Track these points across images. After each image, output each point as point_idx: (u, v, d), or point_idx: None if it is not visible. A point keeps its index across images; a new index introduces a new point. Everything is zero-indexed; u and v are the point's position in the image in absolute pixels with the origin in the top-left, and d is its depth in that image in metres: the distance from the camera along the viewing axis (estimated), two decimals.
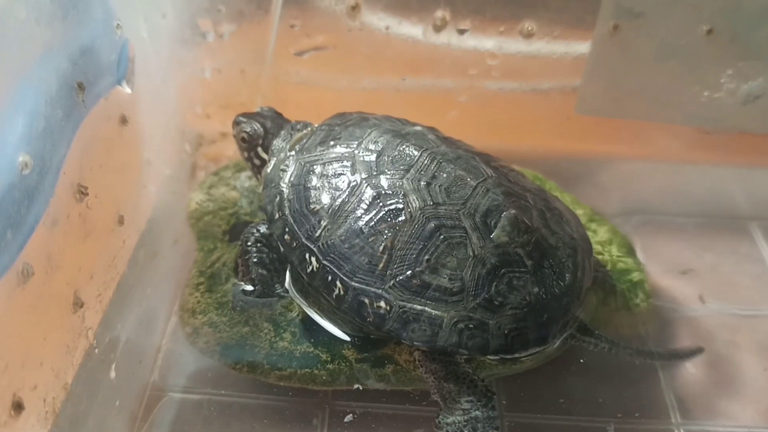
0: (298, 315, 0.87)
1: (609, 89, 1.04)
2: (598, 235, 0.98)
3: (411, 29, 1.06)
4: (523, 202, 0.80)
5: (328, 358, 0.82)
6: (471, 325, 0.73)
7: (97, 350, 0.79)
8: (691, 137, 1.11)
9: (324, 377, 0.81)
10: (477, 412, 0.75)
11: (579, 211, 1.00)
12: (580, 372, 0.87)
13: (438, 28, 1.05)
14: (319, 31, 1.06)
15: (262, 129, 0.94)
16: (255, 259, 0.87)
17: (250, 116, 0.96)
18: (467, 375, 0.77)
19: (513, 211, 0.76)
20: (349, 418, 0.81)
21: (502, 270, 0.74)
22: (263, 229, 0.88)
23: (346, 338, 0.85)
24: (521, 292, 0.74)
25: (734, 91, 0.99)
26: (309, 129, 0.91)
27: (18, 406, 0.63)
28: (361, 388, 0.82)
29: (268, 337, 0.85)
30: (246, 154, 0.96)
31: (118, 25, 0.83)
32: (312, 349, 0.83)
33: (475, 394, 0.76)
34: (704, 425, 0.83)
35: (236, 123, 0.96)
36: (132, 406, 0.83)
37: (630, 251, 0.97)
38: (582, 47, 1.03)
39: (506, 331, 0.74)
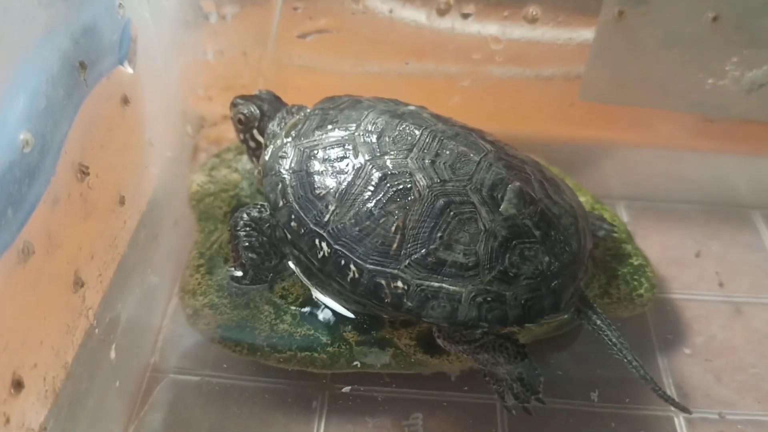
0: (298, 297, 0.87)
1: (613, 76, 1.04)
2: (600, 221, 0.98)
3: (414, 13, 1.05)
4: (524, 175, 0.81)
5: (329, 341, 0.83)
6: (489, 298, 0.74)
7: (97, 330, 0.79)
8: (694, 125, 1.10)
9: (324, 360, 0.82)
10: (519, 370, 0.78)
11: (581, 198, 1.00)
12: (578, 357, 0.87)
13: (442, 12, 1.04)
14: (322, 14, 1.06)
15: (258, 111, 0.94)
16: (245, 244, 0.87)
17: (247, 98, 0.96)
18: (494, 341, 0.78)
19: (518, 184, 0.78)
20: (347, 389, 0.82)
21: (513, 242, 0.75)
22: (253, 212, 0.87)
23: (351, 316, 0.85)
24: (533, 262, 0.76)
25: (739, 79, 0.99)
26: (303, 114, 0.91)
27: (18, 385, 0.63)
28: (359, 365, 0.82)
29: (268, 319, 0.85)
30: (242, 136, 0.96)
31: (120, 4, 0.82)
32: (312, 332, 0.83)
33: (509, 356, 0.77)
34: (703, 412, 0.83)
35: (233, 105, 0.96)
36: (132, 386, 0.83)
37: (630, 238, 0.97)
38: (586, 33, 1.02)
39: (523, 301, 0.75)
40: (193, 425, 0.80)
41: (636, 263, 0.93)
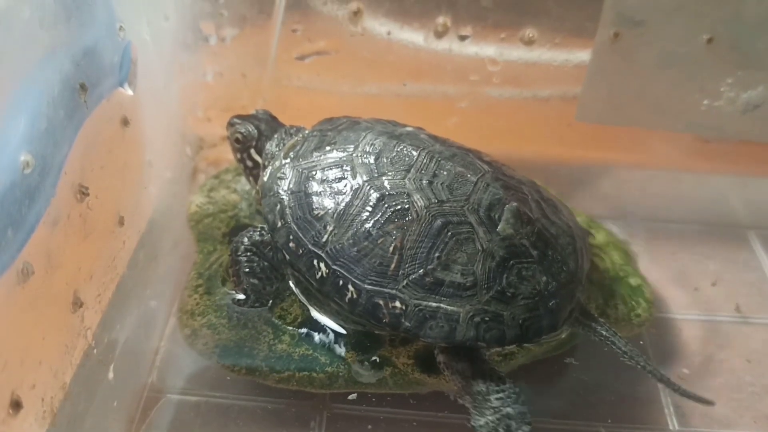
0: (297, 318, 0.87)
1: (609, 97, 1.04)
2: (597, 241, 0.98)
3: (412, 35, 1.06)
4: (521, 195, 0.82)
5: (327, 361, 0.83)
6: (487, 318, 0.75)
7: (95, 350, 0.79)
8: (690, 145, 1.11)
9: (323, 379, 0.82)
10: (508, 409, 0.75)
11: (578, 218, 1.00)
12: (576, 376, 0.87)
13: (439, 34, 1.05)
14: (320, 35, 1.07)
15: (256, 131, 0.95)
16: (246, 269, 0.87)
17: (244, 118, 0.97)
18: (494, 372, 0.78)
19: (515, 204, 0.78)
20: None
21: (511, 261, 0.76)
22: (254, 236, 0.88)
23: (344, 331, 0.85)
24: (531, 282, 0.76)
25: (734, 100, 1.00)
26: (301, 135, 0.91)
27: (16, 405, 0.63)
28: (356, 396, 0.82)
29: (266, 339, 0.85)
30: (239, 156, 0.97)
31: (121, 27, 0.83)
32: (311, 351, 0.83)
33: (504, 391, 0.76)
34: (701, 431, 0.83)
35: (230, 124, 0.97)
36: (130, 407, 0.83)
37: (628, 258, 0.98)
38: (583, 55, 1.03)
39: (520, 321, 0.75)
40: None
41: (634, 284, 0.93)
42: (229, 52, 1.09)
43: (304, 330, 0.86)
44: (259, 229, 0.88)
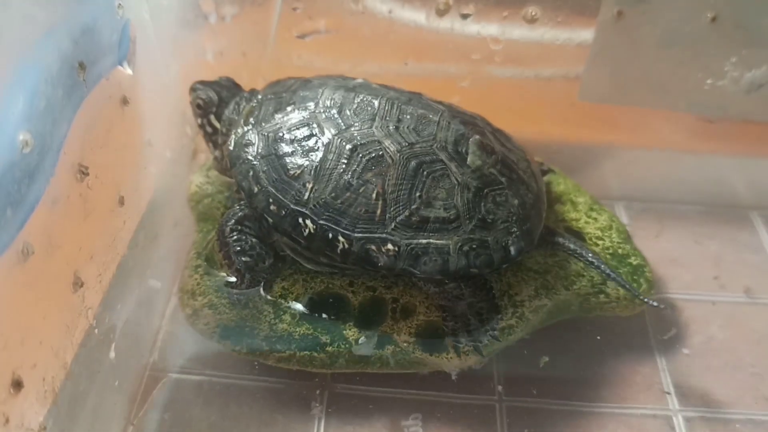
0: (298, 297, 0.87)
1: (612, 76, 1.04)
2: (598, 222, 0.98)
3: (414, 13, 1.05)
4: (479, 128, 0.86)
5: (328, 340, 0.82)
6: (474, 245, 0.79)
7: (96, 330, 0.79)
8: (693, 125, 1.10)
9: (323, 359, 0.82)
10: (481, 305, 0.83)
11: (580, 198, 1.00)
12: (578, 356, 0.87)
13: (441, 13, 1.04)
14: (321, 14, 1.06)
15: (216, 97, 0.96)
16: (236, 248, 0.87)
17: (207, 84, 0.98)
18: (474, 302, 0.83)
19: (477, 137, 0.83)
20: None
21: (485, 190, 0.81)
22: (237, 212, 0.88)
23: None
24: (506, 207, 0.81)
25: (738, 79, 0.99)
26: (256, 100, 0.92)
27: (17, 384, 0.63)
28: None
29: (267, 319, 0.85)
30: (199, 121, 0.98)
31: (120, 5, 0.82)
32: (311, 331, 0.83)
33: (474, 286, 0.83)
34: (701, 411, 0.83)
35: (192, 89, 0.98)
36: (131, 386, 0.83)
37: (628, 238, 0.97)
38: (586, 34, 1.02)
39: (504, 244, 0.80)
40: (193, 425, 0.80)
41: (635, 263, 0.93)
42: (229, 31, 1.09)
43: (305, 309, 0.85)
44: (240, 205, 0.89)
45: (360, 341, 0.82)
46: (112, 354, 0.82)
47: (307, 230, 0.81)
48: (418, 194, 0.79)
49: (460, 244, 0.79)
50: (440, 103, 0.89)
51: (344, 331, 0.83)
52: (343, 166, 0.80)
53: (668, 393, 0.84)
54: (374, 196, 0.79)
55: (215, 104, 0.96)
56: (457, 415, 0.81)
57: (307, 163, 0.82)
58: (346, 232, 0.79)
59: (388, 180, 0.79)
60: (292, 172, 0.82)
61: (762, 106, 1.01)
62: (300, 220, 0.81)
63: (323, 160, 0.81)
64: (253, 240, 0.88)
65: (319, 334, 0.83)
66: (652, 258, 0.96)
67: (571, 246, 0.86)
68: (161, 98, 1.01)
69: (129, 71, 0.86)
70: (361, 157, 0.80)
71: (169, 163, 1.03)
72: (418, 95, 0.89)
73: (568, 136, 1.15)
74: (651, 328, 0.91)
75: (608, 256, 0.93)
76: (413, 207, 0.79)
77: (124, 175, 0.88)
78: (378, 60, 1.11)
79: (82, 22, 0.75)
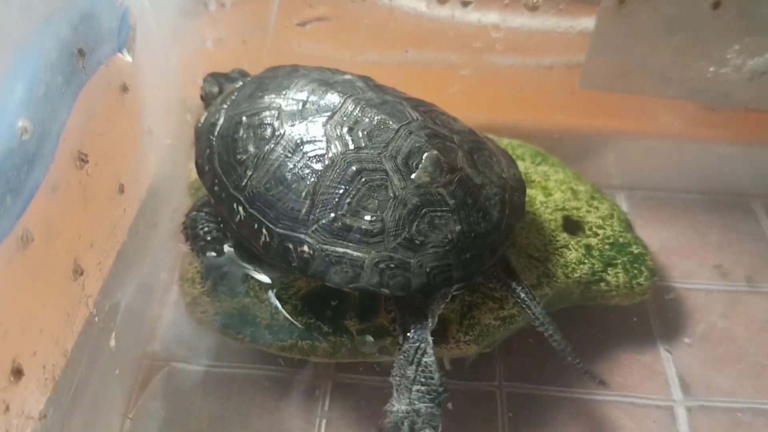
0: (300, 290, 0.86)
1: (614, 64, 1.03)
2: (600, 210, 0.97)
3: (414, 1, 1.05)
4: (449, 144, 0.80)
5: (330, 330, 0.82)
6: (392, 265, 0.74)
7: (97, 318, 0.79)
8: (695, 113, 1.10)
9: (326, 348, 0.81)
10: (421, 405, 0.74)
11: (581, 187, 1.00)
12: (580, 344, 0.87)
13: (442, 0, 1.04)
14: (321, 1, 1.05)
15: (217, 89, 0.96)
16: (191, 232, 0.89)
17: (215, 76, 0.98)
18: (430, 366, 0.75)
19: (434, 152, 0.77)
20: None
21: (424, 210, 0.75)
22: (198, 204, 0.90)
23: (268, 281, 0.87)
24: (443, 231, 0.75)
25: (740, 67, 0.99)
26: (240, 83, 0.91)
27: (18, 372, 0.63)
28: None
29: (268, 308, 0.85)
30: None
31: None
32: (313, 320, 0.83)
33: (427, 386, 0.75)
34: (704, 401, 0.83)
35: (204, 80, 0.98)
36: (132, 375, 0.83)
37: (630, 227, 0.97)
38: (587, 21, 1.02)
39: (428, 269, 0.74)
40: (194, 413, 0.80)
41: (636, 252, 0.93)
42: (229, 18, 1.08)
43: (306, 300, 0.85)
44: (204, 198, 0.89)
45: (364, 340, 0.82)
46: (113, 342, 0.82)
47: (238, 216, 0.80)
48: (348, 200, 0.75)
49: (377, 260, 0.74)
50: (427, 112, 0.84)
51: (346, 321, 0.83)
52: (284, 158, 0.78)
53: (670, 382, 0.84)
54: (304, 194, 0.76)
55: (215, 97, 0.95)
56: (459, 401, 0.81)
57: (255, 150, 0.80)
58: (270, 225, 0.77)
59: (323, 181, 0.76)
60: (239, 157, 0.80)
61: (764, 94, 1.01)
62: (234, 205, 0.80)
63: (270, 150, 0.79)
64: (209, 226, 0.88)
65: (321, 323, 0.83)
66: (654, 247, 0.96)
67: (524, 298, 0.79)
68: (161, 85, 1.00)
69: (128, 58, 0.86)
70: (303, 153, 0.77)
71: (169, 150, 1.03)
72: (401, 101, 0.84)
73: (569, 124, 1.15)
74: (652, 317, 0.91)
75: (609, 245, 0.93)
76: (339, 213, 0.75)
77: (124, 163, 0.88)
78: (378, 48, 1.11)
79: (82, 8, 0.74)
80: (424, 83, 1.10)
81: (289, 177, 0.77)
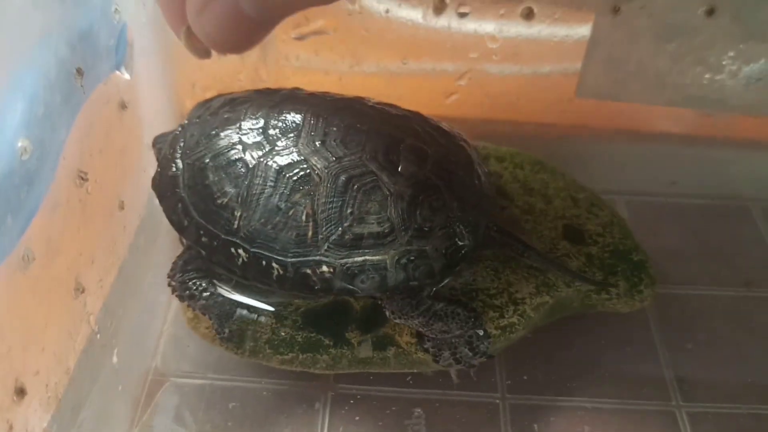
0: (299, 308, 0.86)
1: (610, 72, 1.03)
2: (599, 217, 0.97)
3: (411, 12, 1.05)
4: (413, 130, 0.82)
5: (331, 342, 0.82)
6: (412, 257, 0.76)
7: (99, 335, 0.79)
8: (692, 120, 1.10)
9: (327, 361, 0.81)
10: (470, 334, 0.80)
11: (580, 195, 1.00)
12: (580, 352, 0.87)
13: (438, 11, 1.04)
14: (319, 14, 1.06)
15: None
16: (201, 303, 0.84)
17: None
18: (445, 309, 0.80)
19: (409, 141, 0.79)
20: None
21: (420, 197, 0.77)
22: (179, 262, 0.85)
23: (271, 309, 0.85)
24: (443, 211, 0.77)
25: (736, 74, 0.99)
26: (180, 127, 0.87)
27: (21, 391, 0.63)
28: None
29: (269, 323, 0.85)
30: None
31: (116, 9, 0.82)
32: (314, 333, 0.83)
33: (461, 321, 0.80)
34: (705, 406, 0.83)
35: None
36: (134, 391, 0.83)
37: (629, 234, 0.97)
38: (583, 30, 1.02)
39: (443, 251, 0.77)
40: (196, 428, 0.80)
41: (636, 259, 0.93)
42: None
43: (306, 316, 0.85)
44: (181, 252, 0.86)
45: (365, 351, 0.82)
46: (115, 359, 0.82)
47: (240, 259, 0.77)
48: (349, 211, 0.75)
49: (397, 257, 0.75)
50: (375, 107, 0.85)
51: (346, 334, 0.83)
52: (270, 189, 0.76)
53: (671, 388, 0.84)
54: (304, 217, 0.75)
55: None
56: (461, 412, 0.82)
57: (233, 190, 0.78)
58: (280, 257, 0.76)
59: (318, 199, 0.75)
60: (219, 201, 0.78)
61: (760, 99, 1.01)
62: (233, 249, 0.78)
63: (250, 185, 0.77)
64: (202, 283, 0.85)
65: (321, 336, 0.83)
66: (653, 252, 0.96)
67: (521, 247, 0.84)
68: (159, 101, 1.01)
69: (127, 76, 0.86)
70: (288, 178, 0.76)
71: None
72: (349, 101, 0.85)
73: (566, 132, 1.15)
74: (653, 324, 0.91)
75: (609, 253, 0.93)
76: (345, 225, 0.75)
77: (124, 180, 0.88)
78: (376, 59, 1.11)
79: (79, 26, 0.75)
80: (422, 93, 1.10)
81: (283, 206, 0.76)
